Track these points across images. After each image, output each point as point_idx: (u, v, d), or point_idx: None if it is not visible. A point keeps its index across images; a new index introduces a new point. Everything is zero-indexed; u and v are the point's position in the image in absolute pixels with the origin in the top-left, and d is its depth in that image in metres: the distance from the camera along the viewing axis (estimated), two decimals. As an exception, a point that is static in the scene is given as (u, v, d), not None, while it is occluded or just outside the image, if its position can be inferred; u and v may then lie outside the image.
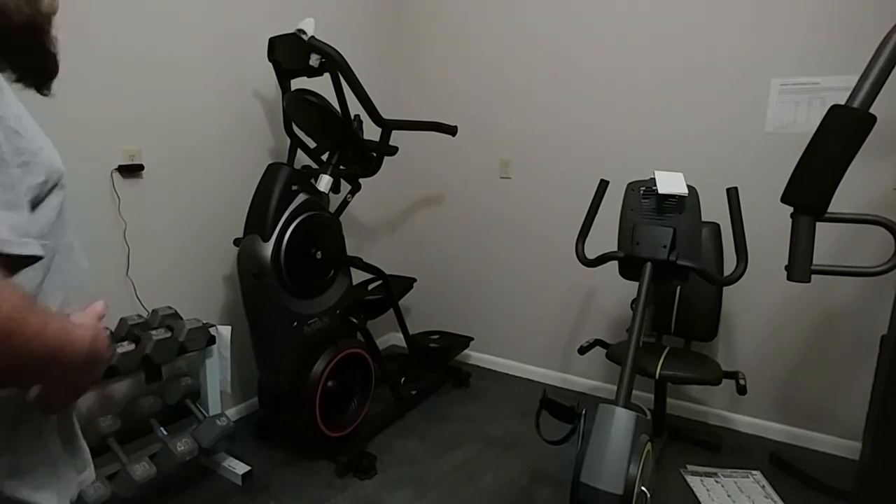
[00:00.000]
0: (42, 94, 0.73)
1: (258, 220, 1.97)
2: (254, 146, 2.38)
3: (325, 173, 2.14)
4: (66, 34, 1.91)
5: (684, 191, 1.81)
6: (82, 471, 0.70)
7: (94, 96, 1.80)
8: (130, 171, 1.92)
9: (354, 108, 2.13)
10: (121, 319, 1.86)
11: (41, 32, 0.67)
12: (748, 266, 1.84)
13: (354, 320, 2.29)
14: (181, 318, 1.91)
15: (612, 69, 2.50)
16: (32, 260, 0.53)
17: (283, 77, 2.18)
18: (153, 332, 1.76)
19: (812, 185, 1.45)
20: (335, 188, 2.23)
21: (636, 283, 1.81)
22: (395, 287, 2.65)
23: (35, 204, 0.58)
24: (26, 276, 0.55)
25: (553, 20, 2.62)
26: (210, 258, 2.24)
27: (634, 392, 1.67)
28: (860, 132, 1.38)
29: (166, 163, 2.04)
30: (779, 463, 2.12)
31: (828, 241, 2.05)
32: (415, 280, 2.94)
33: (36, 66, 0.69)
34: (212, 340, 1.95)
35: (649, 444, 1.52)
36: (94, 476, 0.71)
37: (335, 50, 1.95)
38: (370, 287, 2.69)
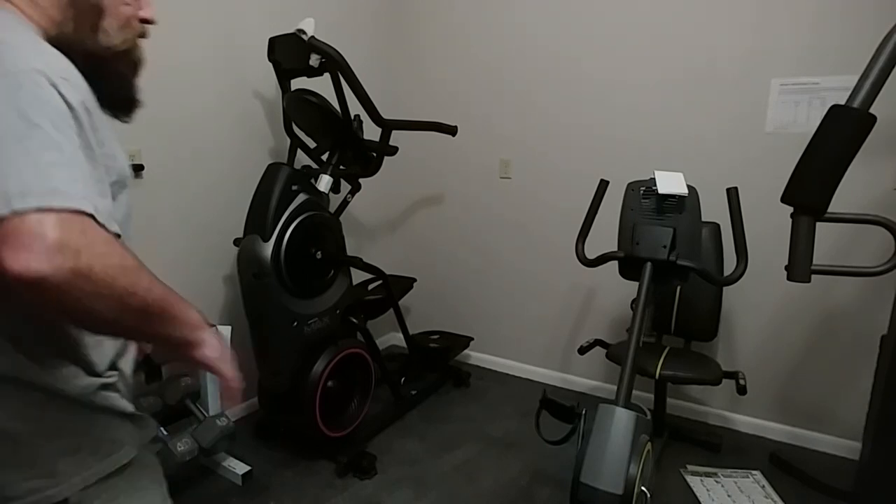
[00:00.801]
0: (122, 121, 0.83)
1: (258, 220, 1.97)
2: (254, 146, 2.38)
3: (325, 173, 2.14)
4: (66, 34, 1.86)
5: (684, 191, 1.81)
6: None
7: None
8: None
9: (354, 108, 2.13)
10: (121, 319, 1.86)
11: (105, 63, 0.76)
12: (748, 266, 1.84)
13: (354, 320, 2.29)
14: (181, 318, 1.91)
15: (612, 69, 2.50)
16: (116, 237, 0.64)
17: (283, 77, 2.18)
18: (153, 332, 1.75)
19: (812, 185, 1.45)
20: (335, 188, 2.23)
21: (636, 283, 1.81)
22: (395, 287, 2.65)
23: (113, 197, 0.72)
24: None
25: (553, 20, 2.62)
26: (210, 258, 2.24)
27: (634, 392, 1.67)
28: (860, 132, 1.38)
29: (166, 163, 2.04)
30: (779, 463, 2.12)
31: (828, 241, 2.05)
32: (415, 280, 2.94)
33: (109, 91, 0.76)
34: (212, 340, 1.95)
35: (649, 444, 1.52)
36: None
37: (335, 50, 1.95)
38: (370, 287, 2.69)
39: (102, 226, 0.60)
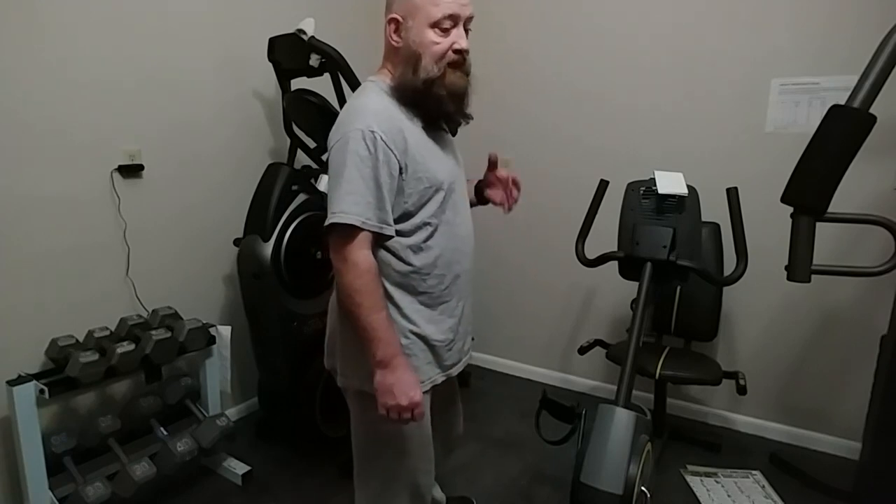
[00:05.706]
0: (451, 133, 1.27)
1: (258, 220, 1.97)
2: (254, 146, 2.38)
3: (325, 173, 2.14)
4: (67, 33, 1.90)
5: (684, 191, 1.81)
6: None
7: (94, 97, 1.80)
8: (130, 171, 1.92)
9: (354, 108, 2.12)
10: (121, 319, 1.86)
11: (423, 92, 1.08)
12: (748, 266, 1.84)
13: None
14: (181, 318, 1.91)
15: (611, 69, 2.50)
16: (387, 237, 1.07)
17: (283, 77, 2.18)
18: (153, 332, 1.76)
19: (812, 185, 1.45)
20: (335, 188, 2.23)
21: (636, 283, 1.81)
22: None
23: (424, 199, 1.09)
24: (419, 235, 1.10)
25: (550, 21, 2.62)
26: (210, 258, 2.24)
27: (634, 392, 1.67)
28: (860, 132, 1.38)
29: (166, 163, 2.04)
30: (779, 463, 2.12)
31: (828, 241, 2.05)
32: None
33: (430, 112, 1.12)
34: (212, 340, 1.95)
35: (649, 444, 1.52)
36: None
37: (335, 50, 1.95)
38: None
39: (370, 229, 1.02)
